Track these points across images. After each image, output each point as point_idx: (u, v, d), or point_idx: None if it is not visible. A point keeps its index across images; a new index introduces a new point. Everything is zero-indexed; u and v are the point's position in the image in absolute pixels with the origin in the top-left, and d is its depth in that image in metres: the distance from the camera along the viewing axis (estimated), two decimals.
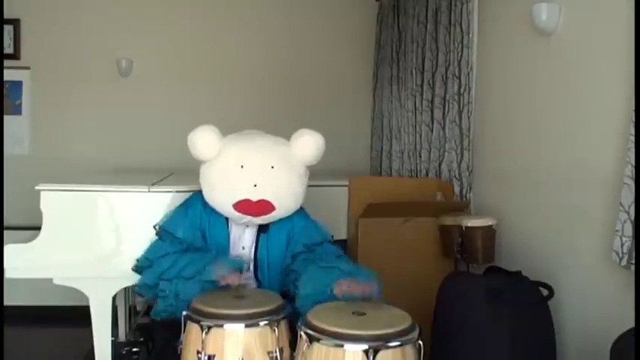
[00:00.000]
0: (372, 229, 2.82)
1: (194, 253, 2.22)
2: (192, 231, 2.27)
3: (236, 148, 2.25)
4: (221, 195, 2.22)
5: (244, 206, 2.19)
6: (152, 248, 2.28)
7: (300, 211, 2.36)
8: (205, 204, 2.28)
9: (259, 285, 2.30)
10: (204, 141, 2.23)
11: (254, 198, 2.18)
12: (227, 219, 2.30)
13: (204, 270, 2.11)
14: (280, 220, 2.30)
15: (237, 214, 2.21)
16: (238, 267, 2.15)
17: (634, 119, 1.87)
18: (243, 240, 2.31)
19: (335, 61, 4.38)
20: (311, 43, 4.36)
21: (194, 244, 2.26)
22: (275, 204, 2.21)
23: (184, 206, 2.35)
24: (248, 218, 2.23)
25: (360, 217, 2.82)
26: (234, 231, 2.31)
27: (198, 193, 2.32)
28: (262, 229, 2.31)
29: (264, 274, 2.30)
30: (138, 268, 2.29)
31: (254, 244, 2.31)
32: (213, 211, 2.28)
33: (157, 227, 2.31)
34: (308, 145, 2.26)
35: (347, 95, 4.40)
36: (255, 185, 2.18)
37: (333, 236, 2.39)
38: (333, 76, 4.38)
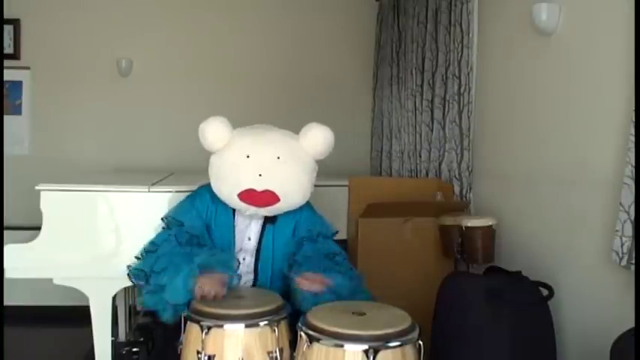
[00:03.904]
0: (372, 229, 2.82)
1: (193, 248, 2.18)
2: (197, 220, 2.28)
3: (244, 140, 2.27)
4: (227, 184, 2.23)
5: (249, 196, 2.19)
6: (158, 235, 2.28)
7: (307, 205, 2.36)
8: (214, 195, 2.29)
9: (256, 277, 2.29)
10: (213, 131, 2.26)
11: (259, 188, 2.18)
12: (234, 210, 2.30)
13: (189, 273, 2.04)
14: (288, 212, 2.30)
15: (242, 204, 2.22)
16: (228, 268, 2.10)
17: (634, 119, 1.87)
18: (249, 230, 2.31)
19: (335, 61, 4.37)
20: (311, 43, 4.35)
21: (197, 235, 2.25)
22: (280, 195, 2.20)
23: (192, 197, 2.36)
24: (253, 209, 2.23)
25: (360, 217, 2.82)
26: (241, 222, 2.32)
27: (207, 185, 2.32)
28: (269, 220, 2.31)
29: (266, 265, 2.29)
30: (141, 255, 2.24)
31: (259, 235, 2.31)
32: (220, 202, 2.29)
33: (164, 218, 2.31)
34: (316, 138, 2.27)
35: (347, 95, 4.40)
36: (260, 175, 2.19)
37: (337, 232, 2.40)
38: (333, 76, 4.37)
